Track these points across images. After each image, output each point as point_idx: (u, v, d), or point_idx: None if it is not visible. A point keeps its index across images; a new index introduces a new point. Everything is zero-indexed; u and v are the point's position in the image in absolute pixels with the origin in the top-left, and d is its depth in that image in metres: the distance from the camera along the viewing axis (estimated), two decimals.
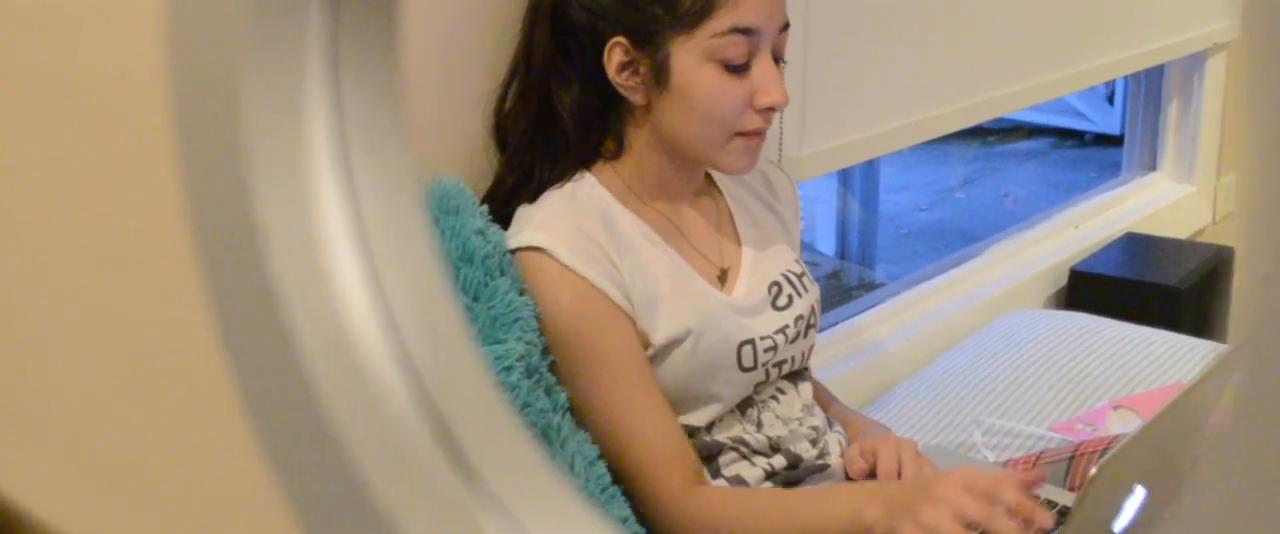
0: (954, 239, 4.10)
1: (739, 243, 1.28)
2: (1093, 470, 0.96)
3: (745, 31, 1.13)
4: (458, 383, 0.61)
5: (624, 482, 1.15)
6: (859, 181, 3.46)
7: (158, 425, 0.83)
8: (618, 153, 1.21)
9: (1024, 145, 5.19)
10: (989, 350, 1.89)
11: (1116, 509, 1.06)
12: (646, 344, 1.16)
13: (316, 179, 0.58)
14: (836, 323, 2.00)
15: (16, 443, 0.97)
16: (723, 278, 1.25)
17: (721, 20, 1.12)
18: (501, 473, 0.62)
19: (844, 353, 1.93)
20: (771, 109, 1.17)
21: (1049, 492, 1.33)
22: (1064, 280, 2.32)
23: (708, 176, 1.30)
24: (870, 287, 3.12)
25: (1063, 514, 1.28)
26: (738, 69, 1.14)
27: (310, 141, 0.58)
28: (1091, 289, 2.28)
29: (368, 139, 0.59)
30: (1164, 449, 1.15)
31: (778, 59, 1.18)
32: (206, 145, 0.60)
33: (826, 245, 3.50)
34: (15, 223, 0.87)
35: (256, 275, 0.59)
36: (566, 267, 1.12)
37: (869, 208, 3.50)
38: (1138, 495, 1.08)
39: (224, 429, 0.70)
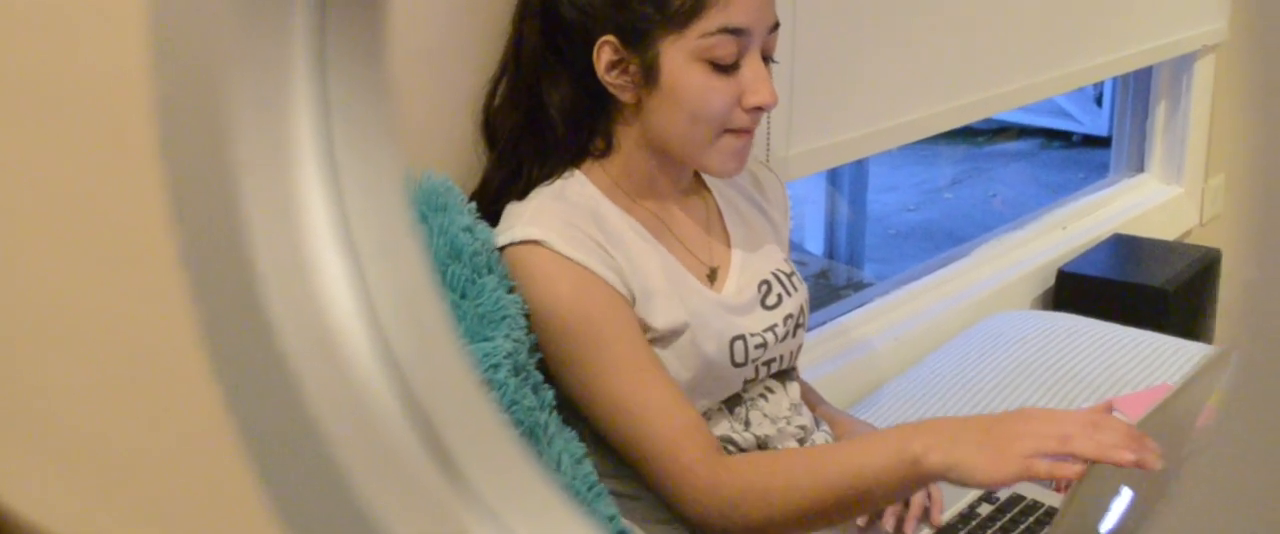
0: (942, 239, 4.11)
1: (728, 243, 1.28)
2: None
3: (735, 31, 1.12)
4: (442, 382, 0.61)
5: (640, 465, 1.12)
6: (847, 181, 3.46)
7: (153, 426, 0.83)
8: (607, 151, 1.21)
9: (1012, 146, 5.21)
10: (976, 351, 1.89)
11: (1103, 510, 1.06)
12: (646, 330, 1.15)
13: (302, 177, 0.58)
14: (824, 322, 2.00)
15: (11, 443, 0.97)
16: (712, 277, 1.24)
17: (711, 20, 1.12)
18: (486, 472, 0.62)
19: (832, 352, 1.93)
20: (760, 109, 1.16)
21: (1036, 492, 1.33)
22: (1052, 281, 2.32)
23: (697, 176, 1.30)
24: (858, 286, 3.12)
25: (1049, 515, 1.28)
26: (727, 69, 1.14)
27: (295, 139, 0.58)
28: (1079, 290, 2.28)
29: (354, 137, 0.58)
30: None
31: (767, 59, 1.18)
32: (191, 144, 0.60)
33: (815, 245, 3.50)
34: (11, 223, 0.86)
35: (241, 273, 0.58)
36: (563, 256, 1.11)
37: (857, 208, 3.51)
38: (1124, 497, 1.08)
39: (220, 430, 0.69)
